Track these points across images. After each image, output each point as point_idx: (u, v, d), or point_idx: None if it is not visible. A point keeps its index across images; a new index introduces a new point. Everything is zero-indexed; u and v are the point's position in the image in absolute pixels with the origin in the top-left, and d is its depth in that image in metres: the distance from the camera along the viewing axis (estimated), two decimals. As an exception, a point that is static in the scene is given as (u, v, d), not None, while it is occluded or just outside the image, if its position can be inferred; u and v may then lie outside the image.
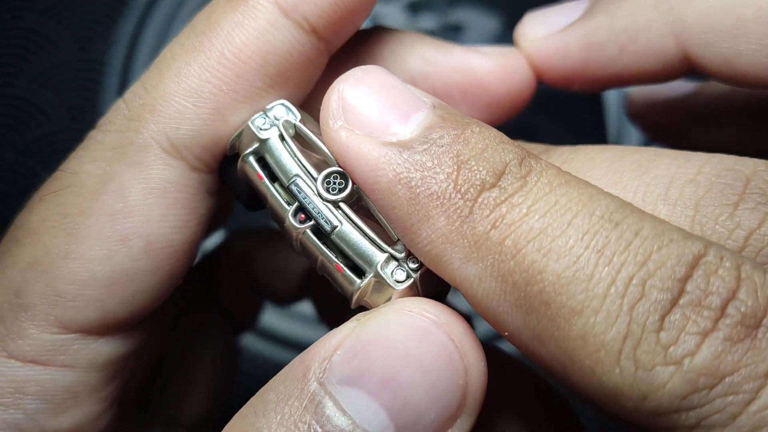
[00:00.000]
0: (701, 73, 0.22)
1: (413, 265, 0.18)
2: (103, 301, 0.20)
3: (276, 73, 0.21)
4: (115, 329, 0.21)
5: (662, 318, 0.15)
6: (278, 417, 0.16)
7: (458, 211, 0.16)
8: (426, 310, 0.17)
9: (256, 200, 0.21)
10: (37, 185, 0.22)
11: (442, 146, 0.17)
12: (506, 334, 0.16)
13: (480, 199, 0.16)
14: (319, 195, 0.19)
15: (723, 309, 0.15)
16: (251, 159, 0.20)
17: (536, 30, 0.24)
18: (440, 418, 0.16)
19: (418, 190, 0.17)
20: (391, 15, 0.54)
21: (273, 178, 0.20)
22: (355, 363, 0.16)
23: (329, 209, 0.19)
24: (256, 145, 0.20)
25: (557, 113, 0.47)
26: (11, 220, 0.22)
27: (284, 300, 0.33)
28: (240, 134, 0.21)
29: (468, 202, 0.16)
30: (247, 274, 0.31)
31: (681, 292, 0.15)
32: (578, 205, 0.16)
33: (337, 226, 0.19)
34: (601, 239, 0.15)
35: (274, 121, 0.21)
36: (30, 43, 0.53)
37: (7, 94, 0.52)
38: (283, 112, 0.21)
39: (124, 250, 0.20)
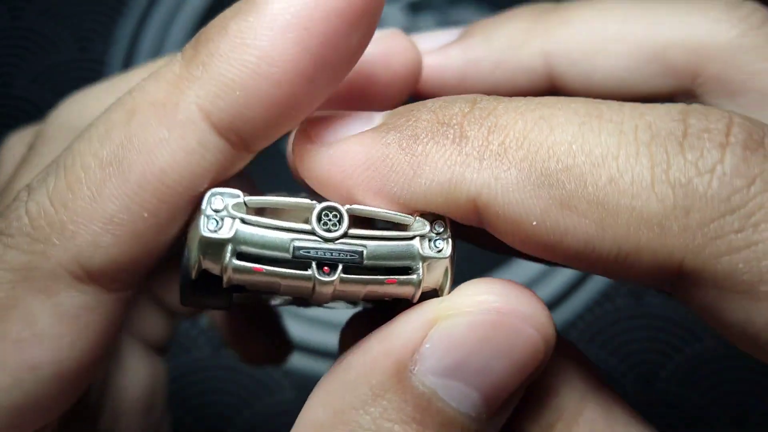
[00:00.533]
0: (563, 93, 0.24)
1: (440, 229, 0.18)
2: (10, 424, 0.19)
3: (202, 189, 0.19)
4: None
5: (680, 144, 0.16)
6: (379, 410, 0.17)
7: (449, 136, 0.17)
8: (511, 302, 0.17)
9: (234, 293, 0.20)
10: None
11: (413, 110, 0.18)
12: (534, 223, 0.17)
13: (465, 121, 0.17)
14: (326, 239, 0.18)
15: (729, 129, 0.16)
16: (236, 262, 0.18)
17: (418, 46, 0.25)
18: (519, 390, 0.18)
19: (407, 142, 0.18)
20: (391, 15, 0.54)
21: (267, 262, 0.18)
22: (450, 358, 0.17)
23: (344, 243, 0.18)
24: (230, 248, 0.18)
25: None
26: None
27: (184, 312, 0.31)
28: (198, 253, 0.19)
29: (455, 127, 0.17)
30: (148, 290, 0.30)
31: (686, 126, 0.16)
32: (558, 105, 0.17)
33: (363, 251, 0.18)
34: (594, 112, 0.17)
35: (221, 214, 0.18)
36: (30, 43, 0.53)
37: (7, 94, 0.52)
38: (221, 200, 0.19)
39: (32, 377, 0.19)
